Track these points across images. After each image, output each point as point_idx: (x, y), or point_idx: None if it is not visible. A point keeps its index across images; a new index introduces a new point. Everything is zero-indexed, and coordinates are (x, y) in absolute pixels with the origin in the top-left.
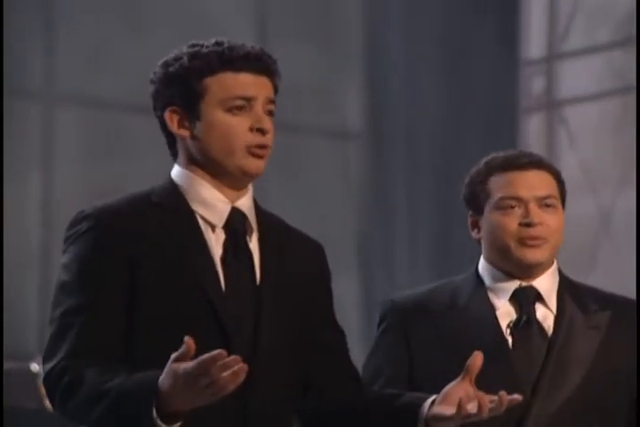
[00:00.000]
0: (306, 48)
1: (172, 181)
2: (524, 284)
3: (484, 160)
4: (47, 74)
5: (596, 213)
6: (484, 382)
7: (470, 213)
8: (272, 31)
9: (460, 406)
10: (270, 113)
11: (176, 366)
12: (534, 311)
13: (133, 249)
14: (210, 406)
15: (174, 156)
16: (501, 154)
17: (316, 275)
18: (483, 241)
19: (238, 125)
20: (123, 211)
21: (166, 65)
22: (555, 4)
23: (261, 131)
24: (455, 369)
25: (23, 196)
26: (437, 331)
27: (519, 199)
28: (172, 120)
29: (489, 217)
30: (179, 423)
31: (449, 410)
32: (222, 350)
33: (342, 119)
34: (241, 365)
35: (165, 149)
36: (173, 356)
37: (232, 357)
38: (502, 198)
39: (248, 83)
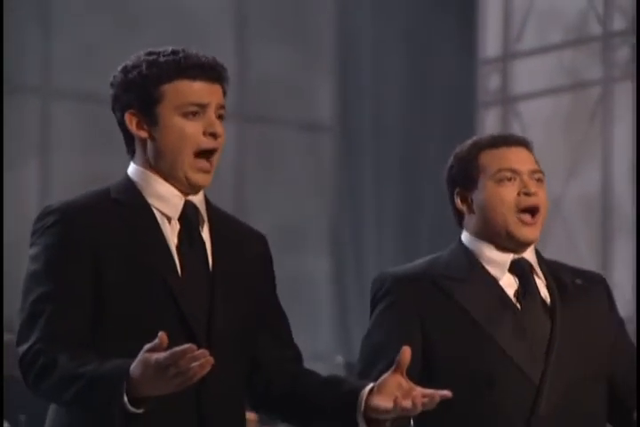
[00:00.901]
0: (281, 47)
1: (129, 178)
2: (516, 256)
3: (469, 142)
4: (45, 69)
5: (548, 200)
6: (506, 350)
7: (458, 189)
8: (250, 31)
9: (395, 402)
10: (221, 117)
11: (148, 356)
12: (534, 281)
13: (96, 241)
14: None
15: (132, 154)
16: (485, 135)
17: (260, 263)
18: (475, 215)
19: (193, 129)
20: (85, 206)
21: (125, 71)
22: (509, 7)
23: (214, 135)
24: (473, 342)
25: (22, 183)
26: (450, 304)
27: (515, 171)
28: (132, 122)
29: (485, 190)
30: (144, 409)
31: (386, 403)
32: (192, 345)
33: (315, 113)
34: (208, 358)
35: None
36: (146, 347)
37: (200, 350)
38: (500, 170)
39: (202, 90)
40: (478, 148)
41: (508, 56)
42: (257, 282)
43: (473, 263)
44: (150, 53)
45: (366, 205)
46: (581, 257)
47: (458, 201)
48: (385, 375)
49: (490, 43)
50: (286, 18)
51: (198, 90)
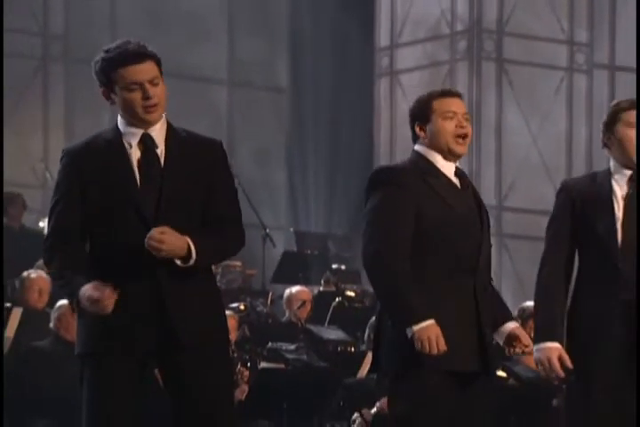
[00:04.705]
0: (256, 36)
1: (116, 124)
2: (454, 163)
3: (426, 94)
4: None
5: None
6: (460, 216)
7: (417, 122)
8: (236, 25)
9: None
10: (155, 83)
11: (92, 289)
12: (468, 178)
13: (82, 164)
14: (128, 272)
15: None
16: (436, 89)
17: (213, 161)
18: (427, 138)
19: (135, 98)
20: (81, 146)
21: (96, 62)
22: (394, 14)
23: (148, 98)
24: (442, 209)
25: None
26: (427, 188)
27: (454, 112)
28: (105, 93)
29: (436, 123)
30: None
31: None
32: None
33: (277, 80)
34: (108, 302)
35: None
36: (100, 286)
37: (108, 296)
38: (446, 111)
39: (134, 72)
40: (432, 97)
41: (393, 45)
42: (208, 175)
43: (432, 167)
44: (106, 51)
45: (309, 137)
46: None
47: (417, 129)
48: None
49: (382, 36)
50: (257, 17)
51: (132, 72)
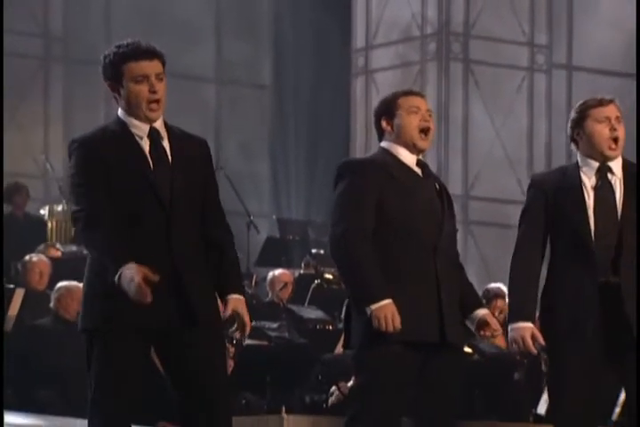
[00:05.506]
0: (241, 38)
1: (119, 118)
2: (418, 157)
3: (391, 93)
4: None
5: None
6: (422, 202)
7: (384, 117)
8: (223, 28)
9: None
10: (160, 79)
11: (134, 269)
12: (429, 167)
13: (100, 151)
14: (147, 253)
15: (118, 104)
16: (400, 90)
17: (203, 158)
18: (394, 132)
19: (142, 90)
20: (94, 135)
21: (106, 56)
22: (369, 17)
23: (154, 91)
24: (404, 196)
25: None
26: (390, 177)
27: (418, 108)
28: (112, 86)
29: (402, 118)
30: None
31: None
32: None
33: (261, 78)
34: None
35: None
36: (142, 269)
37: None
38: (410, 107)
39: (143, 66)
40: (397, 95)
41: (368, 46)
42: (203, 169)
43: (396, 159)
44: (118, 46)
45: (290, 131)
46: None
47: (384, 124)
48: None
49: (359, 38)
50: (243, 20)
51: (141, 66)
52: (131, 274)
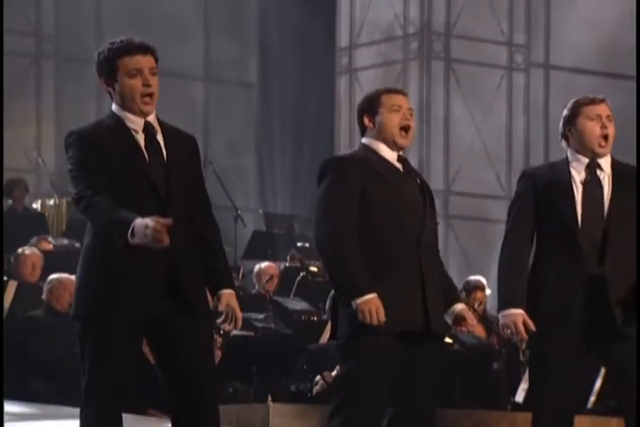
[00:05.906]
0: (228, 37)
1: (113, 112)
2: (399, 153)
3: (374, 91)
4: None
5: None
6: (406, 197)
7: (366, 114)
8: (211, 28)
9: None
10: (154, 73)
11: (146, 219)
12: (410, 163)
13: (98, 142)
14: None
15: (112, 99)
16: (383, 87)
17: (193, 154)
18: (375, 129)
19: (136, 84)
20: (91, 128)
21: (100, 53)
22: (353, 17)
23: (148, 85)
24: (388, 193)
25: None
26: (373, 173)
27: (400, 106)
28: (106, 81)
29: (383, 115)
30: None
31: None
32: (164, 220)
33: (248, 77)
34: (166, 225)
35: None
36: (154, 218)
37: (166, 221)
38: (392, 105)
39: (139, 61)
40: (380, 93)
41: (352, 46)
42: (193, 163)
43: (377, 155)
44: (112, 43)
45: (276, 128)
46: None
47: (366, 121)
48: None
49: (342, 38)
50: (230, 20)
51: (135, 61)
52: (144, 222)
